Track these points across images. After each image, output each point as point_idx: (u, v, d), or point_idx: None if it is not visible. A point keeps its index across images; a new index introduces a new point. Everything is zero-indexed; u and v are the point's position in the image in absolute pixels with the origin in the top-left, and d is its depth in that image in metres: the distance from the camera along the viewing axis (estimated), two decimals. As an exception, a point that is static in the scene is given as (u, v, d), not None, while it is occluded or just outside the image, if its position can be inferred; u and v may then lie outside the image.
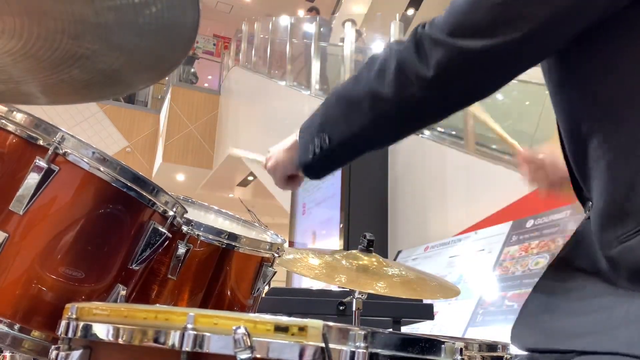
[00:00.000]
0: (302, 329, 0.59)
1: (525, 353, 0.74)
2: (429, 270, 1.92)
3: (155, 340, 0.61)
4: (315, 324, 0.59)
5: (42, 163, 0.96)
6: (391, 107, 0.79)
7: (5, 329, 0.96)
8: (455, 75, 0.74)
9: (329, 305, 1.84)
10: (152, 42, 0.52)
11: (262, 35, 9.98)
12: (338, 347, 0.60)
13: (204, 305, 1.33)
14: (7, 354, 1.18)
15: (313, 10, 9.39)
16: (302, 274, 1.39)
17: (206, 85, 13.25)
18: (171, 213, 1.14)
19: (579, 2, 0.69)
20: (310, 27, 7.99)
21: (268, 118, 8.20)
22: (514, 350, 0.87)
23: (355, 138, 0.86)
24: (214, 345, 0.59)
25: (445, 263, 3.46)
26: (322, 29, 7.76)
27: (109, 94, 0.62)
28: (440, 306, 3.07)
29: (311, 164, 0.91)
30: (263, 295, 1.71)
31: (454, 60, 0.73)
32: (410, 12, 9.29)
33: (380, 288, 1.28)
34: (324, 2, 12.88)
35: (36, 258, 0.98)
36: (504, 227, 3.17)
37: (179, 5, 0.47)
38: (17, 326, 0.97)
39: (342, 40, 6.64)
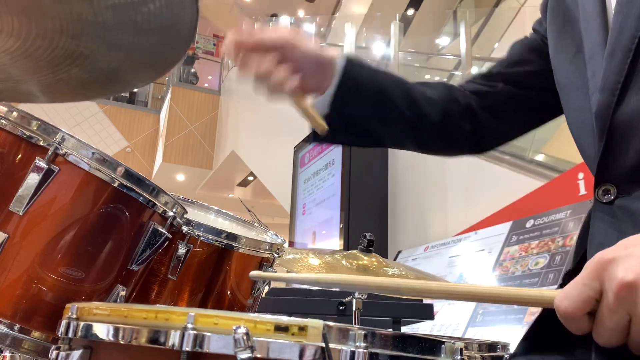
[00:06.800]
0: (302, 328, 0.58)
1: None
2: (429, 270, 1.92)
3: (156, 340, 0.61)
4: (315, 323, 0.59)
5: (42, 163, 0.96)
6: None
7: (5, 329, 0.96)
8: None
9: (329, 305, 1.84)
10: (151, 40, 0.52)
11: (262, 36, 9.97)
12: (338, 347, 0.59)
13: (203, 305, 1.33)
14: (7, 354, 1.18)
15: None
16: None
17: (206, 85, 13.24)
18: (171, 213, 1.14)
19: None
20: (310, 27, 7.99)
21: (268, 118, 8.20)
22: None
23: None
24: (214, 345, 0.59)
25: (445, 263, 3.46)
26: (322, 29, 7.78)
27: (108, 93, 0.62)
28: (440, 306, 3.07)
29: None
30: (263, 295, 1.71)
31: None
32: (410, 12, 9.28)
33: (380, 288, 1.27)
34: (324, 2, 12.88)
35: (36, 258, 0.98)
36: (504, 227, 3.17)
37: (177, 3, 0.47)
38: (17, 326, 0.96)
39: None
